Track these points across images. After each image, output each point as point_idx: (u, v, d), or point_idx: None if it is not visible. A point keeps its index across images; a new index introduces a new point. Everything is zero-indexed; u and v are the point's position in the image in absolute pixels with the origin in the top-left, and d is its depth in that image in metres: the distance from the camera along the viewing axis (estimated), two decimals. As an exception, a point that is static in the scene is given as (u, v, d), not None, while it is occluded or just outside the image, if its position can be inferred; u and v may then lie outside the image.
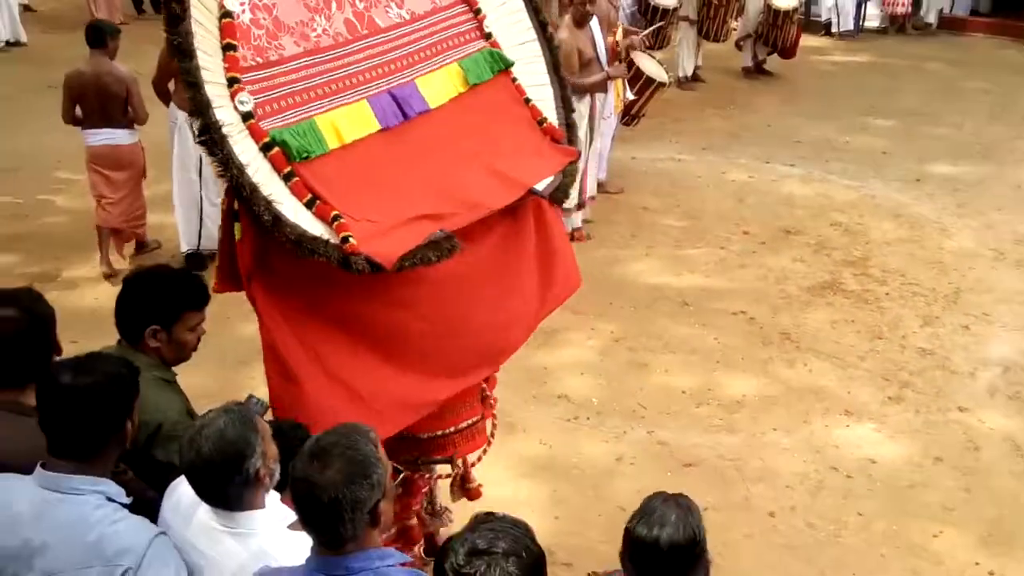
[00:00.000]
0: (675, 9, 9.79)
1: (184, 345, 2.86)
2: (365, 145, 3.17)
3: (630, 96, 7.71)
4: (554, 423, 5.15)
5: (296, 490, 2.06)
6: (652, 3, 9.66)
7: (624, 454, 4.90)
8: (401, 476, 3.47)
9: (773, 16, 10.50)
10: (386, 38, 3.46)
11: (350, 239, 2.81)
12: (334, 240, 2.82)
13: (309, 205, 2.87)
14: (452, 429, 3.55)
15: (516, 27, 3.84)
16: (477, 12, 3.73)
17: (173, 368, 2.89)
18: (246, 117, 2.86)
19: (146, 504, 2.42)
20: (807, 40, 11.77)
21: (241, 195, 2.79)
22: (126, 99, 6.21)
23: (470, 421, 3.61)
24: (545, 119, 3.72)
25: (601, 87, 6.90)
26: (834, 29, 13.34)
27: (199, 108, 2.77)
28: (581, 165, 6.97)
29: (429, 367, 3.21)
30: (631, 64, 7.90)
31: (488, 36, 3.74)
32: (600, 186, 7.70)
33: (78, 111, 6.28)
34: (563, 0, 7.65)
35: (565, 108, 3.79)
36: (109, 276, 6.36)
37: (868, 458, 4.90)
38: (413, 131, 3.36)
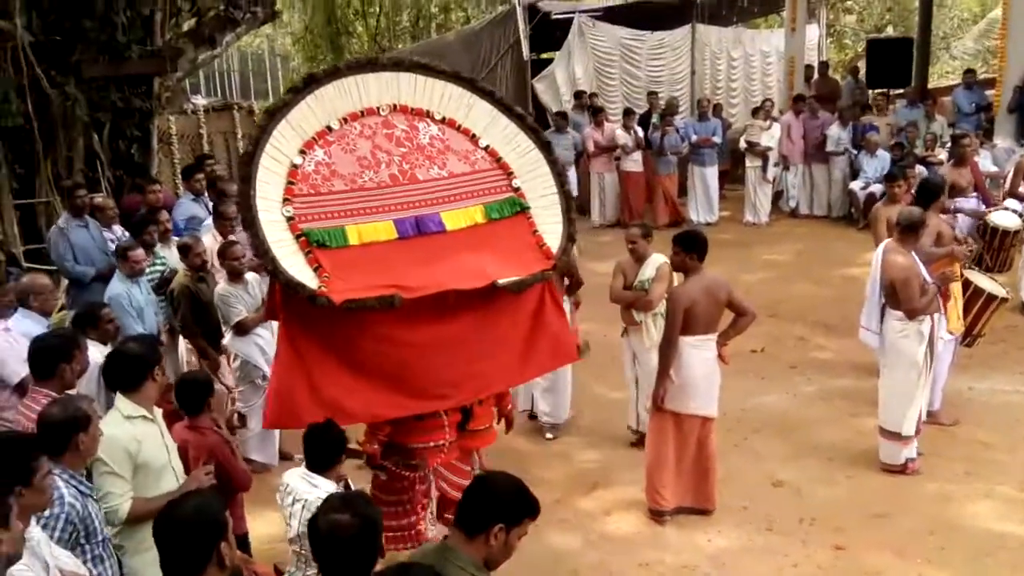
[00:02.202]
0: (1017, 231, 9.22)
1: (510, 550, 3.03)
2: (381, 246, 4.81)
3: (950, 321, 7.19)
4: None
5: None
6: (992, 225, 9.19)
7: None
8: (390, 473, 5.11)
9: None
10: (423, 186, 5.09)
11: (322, 287, 4.50)
12: (313, 287, 4.50)
13: (315, 270, 4.59)
14: (422, 445, 5.05)
15: (541, 183, 5.38)
16: (509, 174, 5.31)
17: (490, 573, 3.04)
18: (288, 219, 4.71)
19: None
20: None
21: (259, 254, 4.65)
22: None
23: (435, 443, 5.08)
24: (545, 244, 5.17)
25: (933, 304, 6.57)
26: None
27: (243, 209, 4.69)
28: (918, 391, 6.60)
29: (382, 393, 4.70)
30: (967, 283, 7.49)
31: (516, 189, 5.29)
32: (932, 415, 7.17)
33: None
34: (890, 222, 7.44)
35: (567, 240, 5.26)
36: None
37: None
38: (425, 242, 4.91)
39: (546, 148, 5.48)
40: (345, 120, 5.11)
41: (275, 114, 4.98)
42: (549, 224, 5.29)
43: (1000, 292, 7.62)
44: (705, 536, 5.94)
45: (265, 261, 4.61)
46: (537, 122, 5.71)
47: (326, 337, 4.63)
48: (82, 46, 11.05)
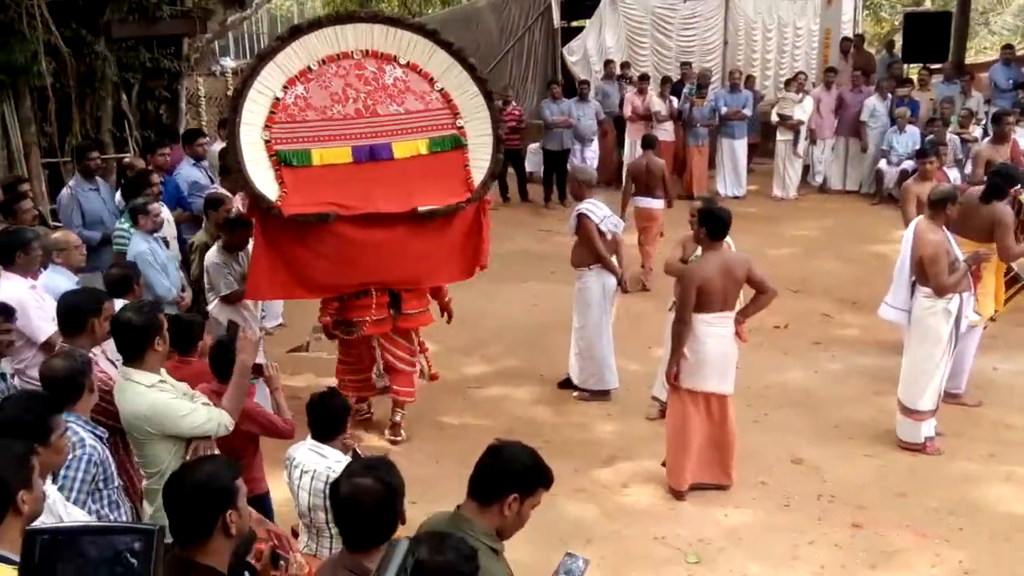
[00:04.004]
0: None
1: (523, 520, 2.99)
2: (338, 167, 6.15)
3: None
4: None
5: None
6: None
7: None
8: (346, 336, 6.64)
9: None
10: (381, 120, 6.31)
11: (278, 201, 5.93)
12: (272, 199, 5.93)
13: (280, 185, 5.99)
14: (358, 318, 6.45)
15: (480, 124, 6.51)
16: (456, 114, 6.46)
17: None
18: (266, 142, 6.06)
19: None
20: None
21: (233, 170, 6.13)
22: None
23: (367, 317, 6.40)
24: (471, 177, 6.40)
25: (963, 283, 6.50)
26: None
27: (229, 132, 6.10)
28: (940, 369, 6.55)
29: (326, 277, 6.25)
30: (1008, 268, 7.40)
31: (460, 128, 6.45)
32: (956, 396, 7.11)
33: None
34: (921, 199, 7.34)
35: (489, 176, 6.54)
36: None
37: None
38: (374, 167, 6.21)
39: (488, 96, 6.61)
40: (323, 62, 6.23)
41: (264, 57, 6.20)
42: (480, 160, 6.45)
43: None
44: (722, 511, 5.94)
45: (238, 176, 6.00)
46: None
47: (286, 233, 6.03)
48: (112, 6, 11.01)
